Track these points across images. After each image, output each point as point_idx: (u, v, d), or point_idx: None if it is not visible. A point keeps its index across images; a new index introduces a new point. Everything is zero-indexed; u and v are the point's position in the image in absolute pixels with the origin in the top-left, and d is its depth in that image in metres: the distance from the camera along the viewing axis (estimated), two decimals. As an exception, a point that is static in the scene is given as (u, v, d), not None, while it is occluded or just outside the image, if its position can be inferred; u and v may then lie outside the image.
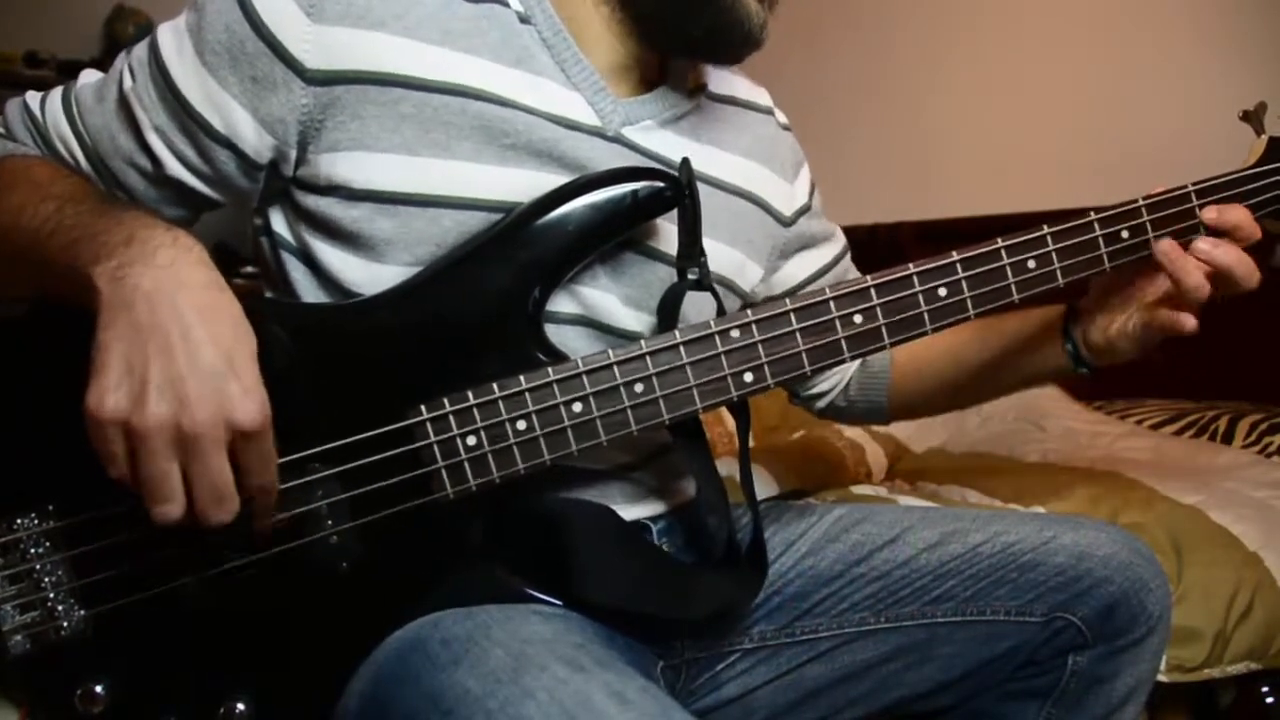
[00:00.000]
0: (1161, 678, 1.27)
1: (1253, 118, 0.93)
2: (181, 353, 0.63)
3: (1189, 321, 0.86)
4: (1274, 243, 0.93)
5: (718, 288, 0.84)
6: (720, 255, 0.91)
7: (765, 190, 0.97)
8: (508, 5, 0.83)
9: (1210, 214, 0.87)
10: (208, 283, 0.66)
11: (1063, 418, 2.11)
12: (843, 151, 2.98)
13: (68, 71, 2.40)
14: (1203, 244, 0.85)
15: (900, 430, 2.13)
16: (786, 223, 1.00)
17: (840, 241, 1.09)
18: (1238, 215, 0.87)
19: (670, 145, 0.89)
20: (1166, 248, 0.85)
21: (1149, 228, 0.86)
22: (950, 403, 1.12)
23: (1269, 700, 1.39)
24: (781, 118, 1.04)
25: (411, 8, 0.78)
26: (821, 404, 1.13)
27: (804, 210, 1.03)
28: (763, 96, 1.03)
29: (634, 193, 0.79)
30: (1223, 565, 1.37)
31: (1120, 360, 0.93)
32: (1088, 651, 0.92)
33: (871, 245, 2.73)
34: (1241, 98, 0.95)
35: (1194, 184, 0.87)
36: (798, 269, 1.03)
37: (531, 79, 0.82)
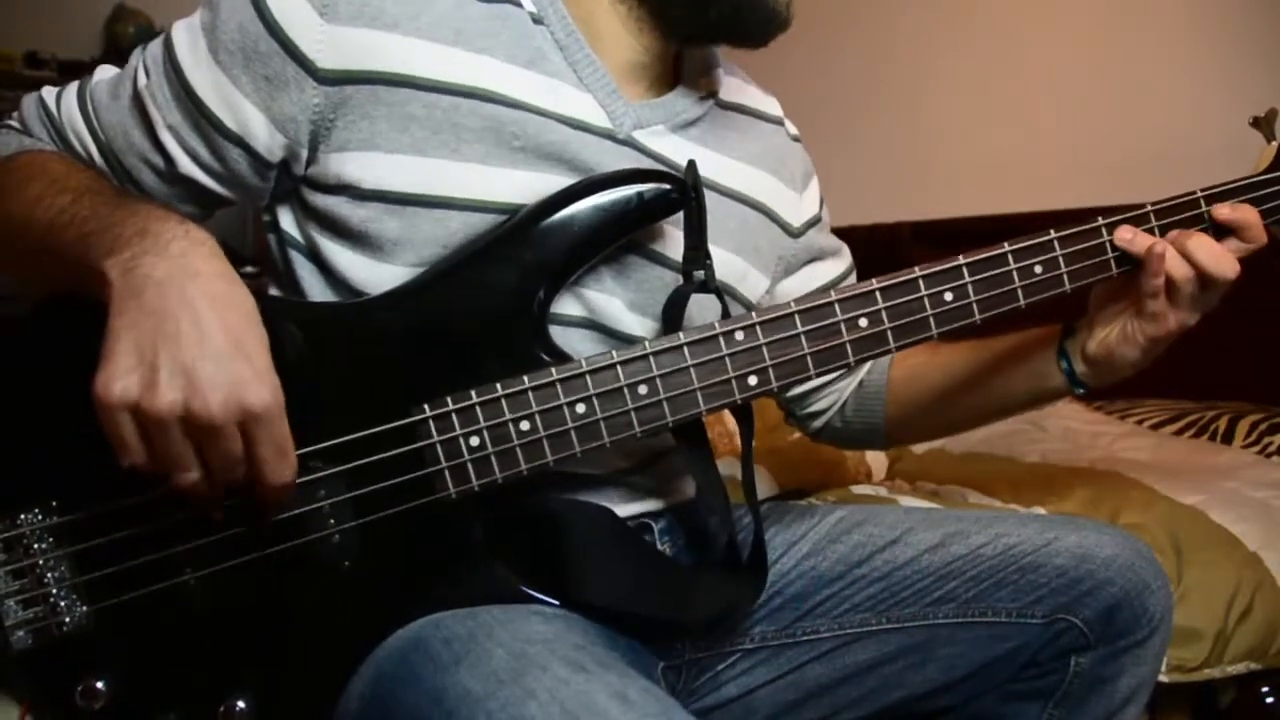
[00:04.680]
0: (1162, 678, 1.27)
1: (1263, 124, 0.93)
2: (192, 338, 0.63)
3: (1172, 318, 0.86)
4: None
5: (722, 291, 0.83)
6: (724, 262, 0.90)
7: (773, 200, 0.97)
8: (520, 6, 0.83)
9: (1224, 210, 0.87)
10: (219, 273, 0.66)
11: (1063, 418, 2.11)
12: (843, 151, 2.97)
13: (68, 72, 2.39)
14: (1171, 234, 0.85)
15: (900, 430, 2.12)
16: (795, 234, 1.00)
17: (847, 260, 1.08)
18: (1249, 214, 0.87)
19: (680, 150, 0.88)
20: (1124, 232, 0.85)
21: (1157, 233, 0.86)
22: (947, 425, 1.09)
23: (1269, 700, 1.39)
24: (792, 129, 1.04)
25: (425, 9, 0.78)
26: (817, 424, 1.10)
27: (814, 222, 1.02)
28: (774, 106, 1.02)
29: (640, 194, 0.79)
30: (1223, 565, 1.37)
31: (1121, 373, 0.91)
32: (1089, 653, 0.92)
33: (871, 245, 2.72)
34: (1243, 97, 0.95)
35: (1203, 190, 0.87)
36: (805, 282, 1.02)
37: (544, 80, 0.82)
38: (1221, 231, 0.87)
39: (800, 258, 1.01)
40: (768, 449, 1.83)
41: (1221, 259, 0.84)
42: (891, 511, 1.00)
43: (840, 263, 1.07)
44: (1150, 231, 0.86)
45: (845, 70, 3.07)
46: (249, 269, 0.99)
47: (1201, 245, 0.84)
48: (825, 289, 1.01)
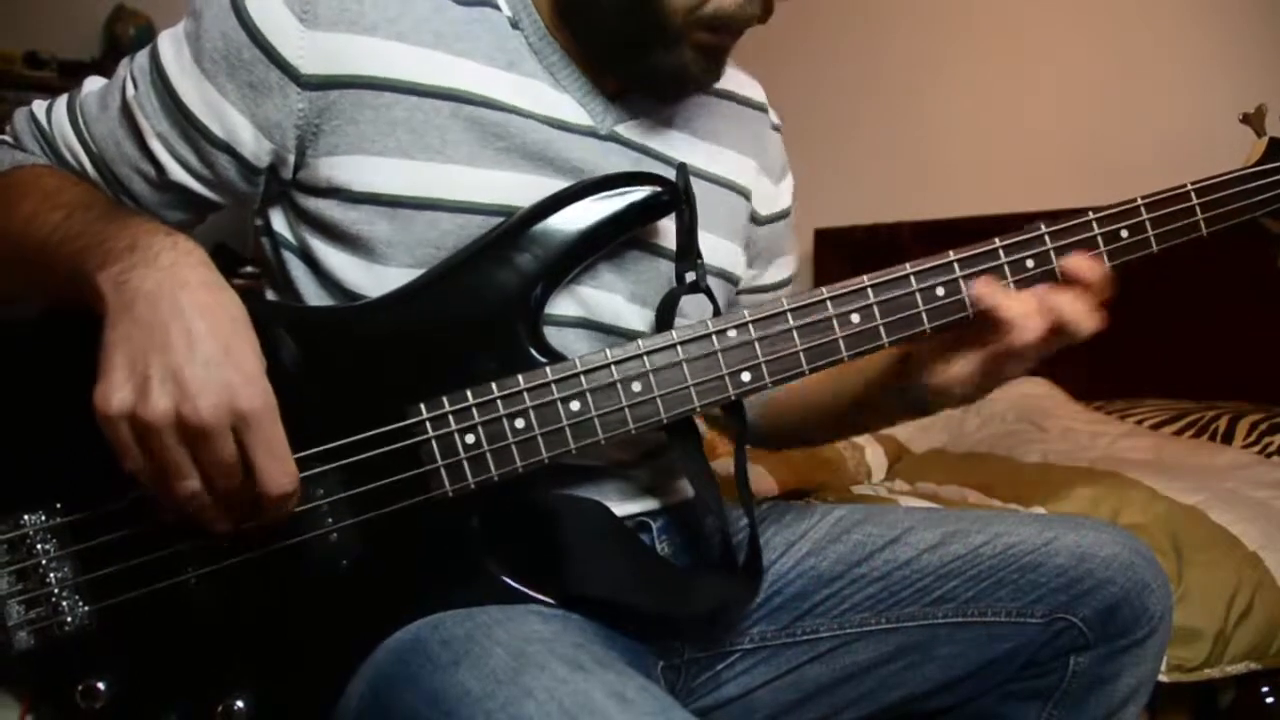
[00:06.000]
0: (1162, 678, 1.27)
1: (1253, 120, 0.93)
2: (181, 346, 0.64)
3: (1010, 371, 0.82)
4: (1277, 243, 0.93)
5: (718, 281, 0.84)
6: (719, 249, 0.92)
7: (753, 186, 0.98)
8: (499, 9, 0.84)
9: (1073, 263, 0.81)
10: (207, 282, 0.68)
11: (1063, 418, 2.11)
12: (842, 151, 2.98)
13: (68, 72, 2.40)
14: (1039, 289, 0.80)
15: (900, 430, 2.13)
16: (761, 221, 1.01)
17: (795, 266, 1.08)
18: (1096, 272, 0.81)
19: (666, 140, 0.90)
20: (981, 289, 0.79)
21: (1148, 226, 0.86)
22: (804, 440, 1.10)
23: (1269, 700, 1.39)
24: (774, 118, 1.04)
25: (404, 12, 0.79)
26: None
27: (783, 215, 1.03)
28: (758, 92, 1.03)
29: (631, 198, 0.80)
30: (1223, 565, 1.37)
31: (958, 405, 0.88)
32: (1089, 652, 0.91)
33: (871, 245, 2.73)
34: (1241, 97, 0.95)
35: (1193, 183, 0.87)
36: (760, 275, 1.03)
37: (523, 81, 0.83)
38: (1068, 282, 0.81)
39: (759, 246, 1.02)
40: (768, 449, 1.83)
41: (1087, 318, 0.79)
42: (891, 511, 1.00)
43: (790, 266, 1.07)
44: (1140, 225, 0.85)
45: (845, 71, 3.08)
46: (249, 269, 1.00)
47: (1069, 303, 0.79)
48: (773, 288, 1.03)
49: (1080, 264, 0.81)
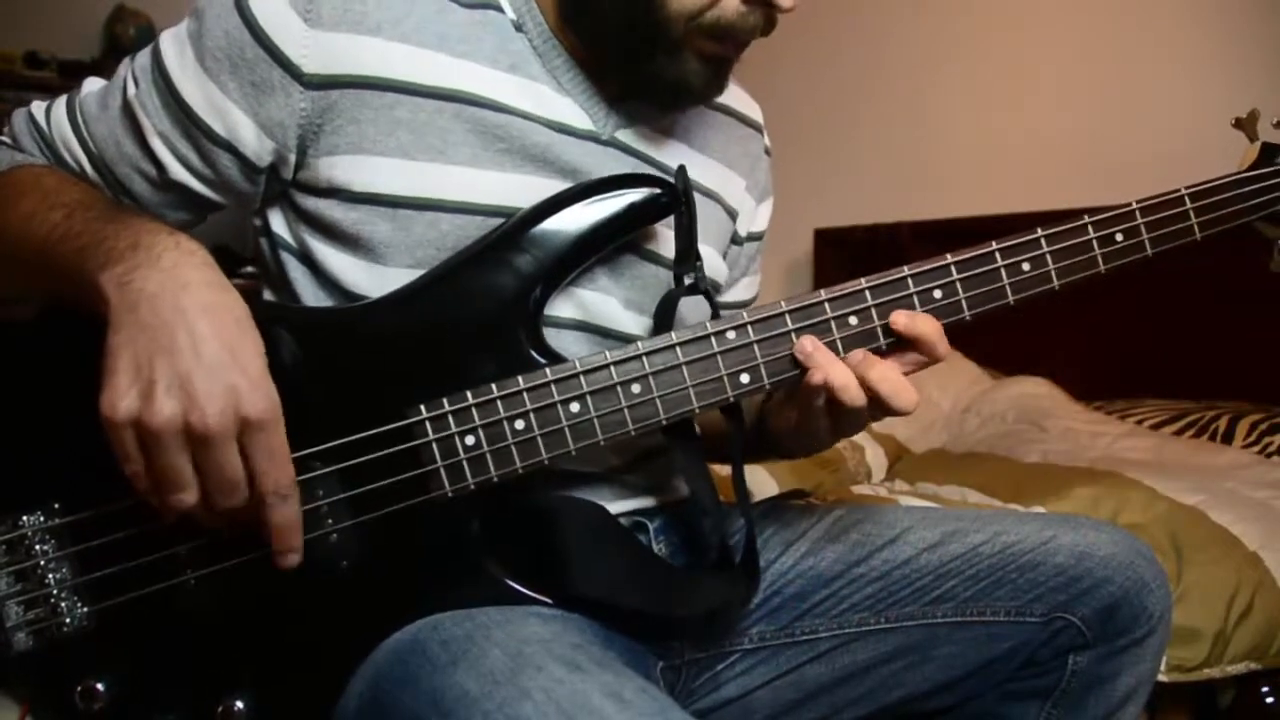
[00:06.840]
0: (1161, 678, 1.27)
1: (1245, 125, 0.93)
2: (186, 350, 0.64)
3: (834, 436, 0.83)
4: (1271, 247, 0.93)
5: (712, 292, 0.84)
6: (712, 260, 0.93)
7: (739, 205, 0.99)
8: (503, 11, 0.84)
9: (901, 320, 0.79)
10: (211, 283, 0.67)
11: (1063, 418, 2.11)
12: (842, 152, 2.98)
13: (68, 72, 2.40)
14: (856, 354, 0.79)
15: (900, 430, 2.13)
16: (740, 240, 1.02)
17: (758, 289, 1.08)
18: (927, 327, 0.79)
19: (664, 149, 0.90)
20: (808, 347, 0.78)
21: (1143, 230, 0.86)
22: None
23: (1269, 700, 1.39)
24: (767, 140, 1.05)
25: (407, 13, 0.79)
26: None
27: (757, 237, 1.05)
28: (756, 112, 1.04)
29: (631, 199, 0.80)
30: (1223, 565, 1.37)
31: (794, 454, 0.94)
32: (1088, 652, 0.91)
33: (871, 245, 2.73)
34: (1240, 99, 0.95)
35: (1187, 188, 0.88)
36: (726, 293, 1.03)
37: (526, 84, 0.83)
38: (901, 342, 0.80)
39: (731, 260, 1.02)
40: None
41: (902, 392, 0.77)
42: (890, 510, 1.00)
43: (750, 289, 1.07)
44: (1136, 229, 0.86)
45: (845, 71, 3.08)
46: (249, 269, 1.00)
47: (885, 377, 0.76)
48: (729, 308, 1.02)
49: (901, 320, 0.79)
